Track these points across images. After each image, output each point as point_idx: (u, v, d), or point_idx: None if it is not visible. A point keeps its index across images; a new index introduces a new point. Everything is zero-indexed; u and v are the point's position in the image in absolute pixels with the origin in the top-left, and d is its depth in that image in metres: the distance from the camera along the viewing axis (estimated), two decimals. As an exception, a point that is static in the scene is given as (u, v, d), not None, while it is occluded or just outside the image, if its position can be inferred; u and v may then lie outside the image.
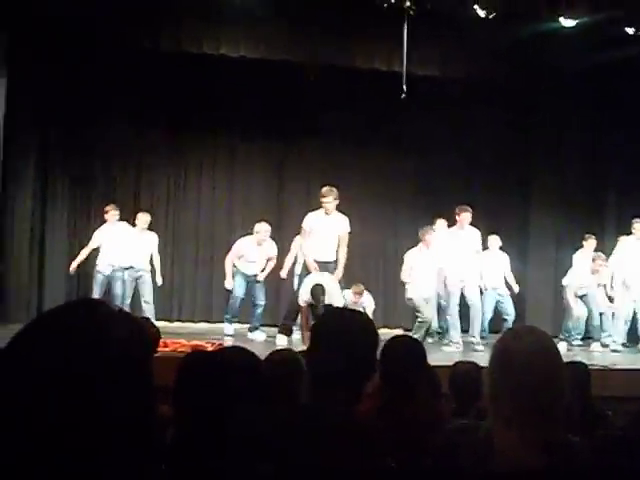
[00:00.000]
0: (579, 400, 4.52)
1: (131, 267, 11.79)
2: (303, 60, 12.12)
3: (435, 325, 11.92)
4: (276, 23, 11.59)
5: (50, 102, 12.44)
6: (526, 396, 2.23)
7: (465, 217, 11.55)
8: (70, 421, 1.25)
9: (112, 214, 11.83)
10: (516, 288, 12.57)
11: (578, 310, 12.03)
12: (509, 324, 11.85)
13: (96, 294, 11.42)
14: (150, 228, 12.09)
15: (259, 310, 11.76)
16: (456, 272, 11.52)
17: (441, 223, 12.27)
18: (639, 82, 12.55)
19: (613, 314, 12.30)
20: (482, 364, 4.24)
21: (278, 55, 12.02)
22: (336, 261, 10.81)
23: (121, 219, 12.00)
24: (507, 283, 12.55)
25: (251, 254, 11.68)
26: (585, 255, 12.23)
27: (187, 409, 2.59)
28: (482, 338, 11.44)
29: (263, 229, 11.70)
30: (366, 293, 12.04)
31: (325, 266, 10.75)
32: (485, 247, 12.37)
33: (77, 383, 1.26)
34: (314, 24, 11.54)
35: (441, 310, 12.17)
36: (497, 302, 12.46)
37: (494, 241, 12.57)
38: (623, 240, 12.45)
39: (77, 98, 12.59)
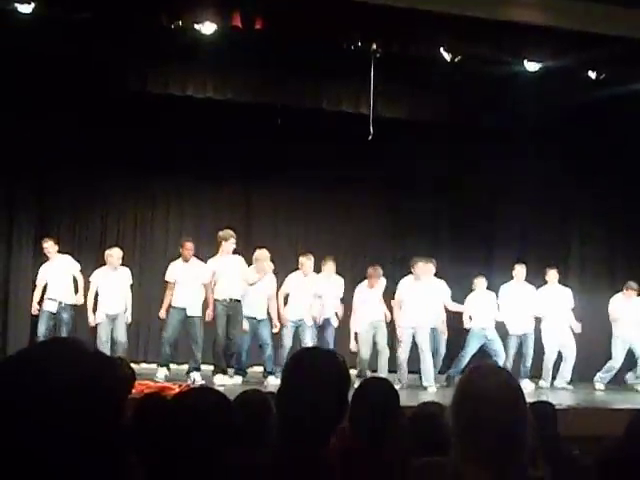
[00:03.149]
0: (545, 439, 4.54)
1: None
2: (270, 102, 12.20)
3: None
4: (243, 65, 11.67)
5: (14, 146, 12.40)
6: (491, 433, 2.25)
7: (420, 269, 11.87)
8: (38, 457, 1.25)
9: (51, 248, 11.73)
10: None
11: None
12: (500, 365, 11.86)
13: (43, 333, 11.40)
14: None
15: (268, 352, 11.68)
16: (409, 318, 11.74)
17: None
18: (604, 126, 12.76)
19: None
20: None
21: (245, 97, 12.11)
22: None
23: (87, 259, 11.94)
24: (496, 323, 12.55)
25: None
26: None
27: (148, 453, 2.57)
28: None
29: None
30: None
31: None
32: (471, 289, 12.52)
33: (47, 422, 1.26)
34: (281, 66, 11.62)
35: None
36: (485, 344, 12.33)
37: (480, 282, 12.56)
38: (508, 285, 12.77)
39: (40, 140, 12.56)
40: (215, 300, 11.54)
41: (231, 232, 11.80)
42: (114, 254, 11.71)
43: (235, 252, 11.85)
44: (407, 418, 4.22)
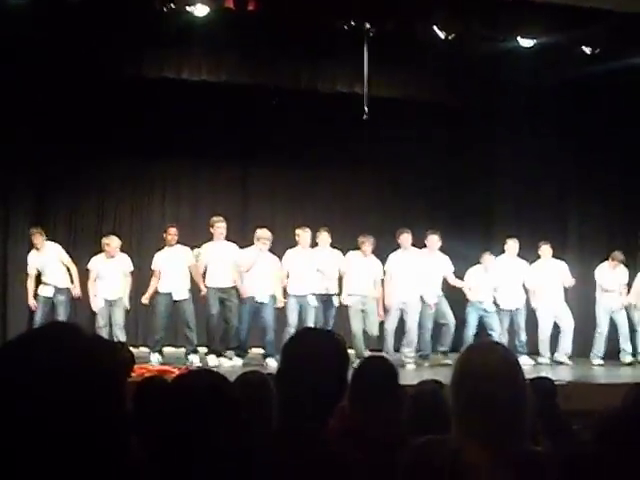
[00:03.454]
0: (545, 414, 4.55)
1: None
2: (264, 83, 12.19)
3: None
4: (237, 47, 11.65)
5: (10, 133, 12.37)
6: (491, 409, 2.27)
7: (404, 239, 11.93)
8: (40, 444, 1.25)
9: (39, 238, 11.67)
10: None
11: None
12: (495, 339, 11.90)
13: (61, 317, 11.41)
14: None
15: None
16: (398, 291, 11.80)
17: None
18: (599, 101, 12.73)
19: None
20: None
21: (240, 79, 12.09)
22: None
23: (83, 246, 11.94)
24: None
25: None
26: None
27: (148, 437, 2.57)
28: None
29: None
30: None
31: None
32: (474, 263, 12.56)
33: (48, 407, 1.26)
34: (275, 47, 11.59)
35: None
36: (481, 317, 12.43)
37: (488, 259, 12.57)
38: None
39: (35, 128, 12.54)
40: (207, 287, 11.56)
41: (218, 217, 11.74)
42: (111, 243, 11.64)
43: (232, 234, 11.82)
44: (408, 396, 4.23)
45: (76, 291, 11.69)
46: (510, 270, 12.59)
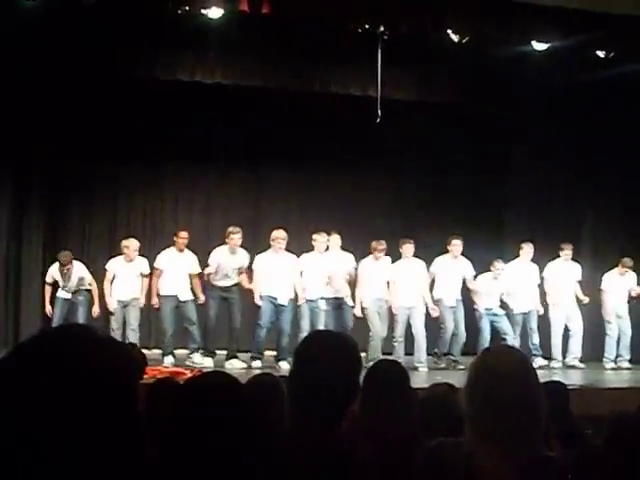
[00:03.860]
0: (558, 418, 4.54)
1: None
2: (278, 86, 12.20)
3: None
4: (251, 50, 11.66)
5: (25, 136, 12.41)
6: (505, 413, 2.26)
7: (406, 249, 12.03)
8: (54, 446, 1.25)
9: None
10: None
11: None
12: (509, 343, 11.90)
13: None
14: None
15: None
16: (402, 299, 11.87)
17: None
18: (612, 104, 12.69)
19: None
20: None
21: (253, 82, 12.10)
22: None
23: (96, 253, 12.01)
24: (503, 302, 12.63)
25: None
26: None
27: (161, 438, 2.57)
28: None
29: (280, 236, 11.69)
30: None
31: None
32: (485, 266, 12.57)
33: (62, 408, 1.26)
34: (289, 50, 11.60)
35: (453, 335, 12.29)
36: (492, 322, 12.41)
37: (498, 267, 12.52)
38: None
39: (51, 132, 12.57)
40: (212, 286, 11.64)
41: (235, 228, 11.73)
42: (130, 245, 11.68)
43: (244, 239, 11.85)
44: (419, 400, 4.22)
45: (95, 309, 11.73)
46: (523, 274, 12.57)
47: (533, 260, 12.74)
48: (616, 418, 3.88)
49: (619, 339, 12.77)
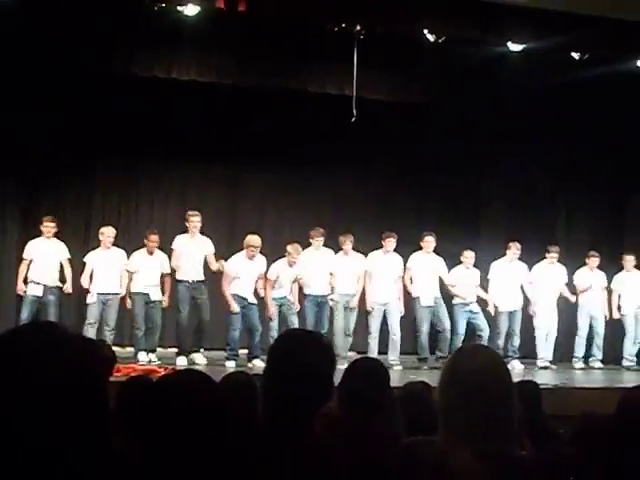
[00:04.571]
0: (530, 418, 4.56)
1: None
2: (254, 84, 12.17)
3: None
4: (227, 47, 11.63)
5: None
6: (478, 412, 2.27)
7: (388, 242, 12.12)
8: (21, 441, 1.24)
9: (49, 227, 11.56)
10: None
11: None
12: (484, 340, 11.94)
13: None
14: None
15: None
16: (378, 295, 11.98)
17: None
18: (587, 105, 12.77)
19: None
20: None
21: (229, 80, 12.07)
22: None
23: (73, 246, 11.96)
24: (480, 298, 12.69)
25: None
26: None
27: (134, 436, 2.56)
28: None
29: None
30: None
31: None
32: (457, 263, 12.62)
33: (28, 404, 1.25)
34: (265, 48, 11.57)
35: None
36: (469, 318, 12.43)
37: (468, 257, 12.62)
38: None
39: (25, 123, 12.48)
40: (178, 281, 11.62)
41: (193, 212, 11.81)
42: (106, 232, 11.64)
43: (221, 237, 11.82)
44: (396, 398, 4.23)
45: (67, 287, 11.60)
46: (509, 273, 12.61)
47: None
48: (583, 417, 3.92)
49: (592, 339, 12.86)
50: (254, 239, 11.61)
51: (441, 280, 12.44)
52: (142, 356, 11.37)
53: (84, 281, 11.51)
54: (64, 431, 1.28)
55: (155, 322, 11.63)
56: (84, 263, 11.64)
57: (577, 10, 10.54)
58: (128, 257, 11.75)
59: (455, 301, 12.46)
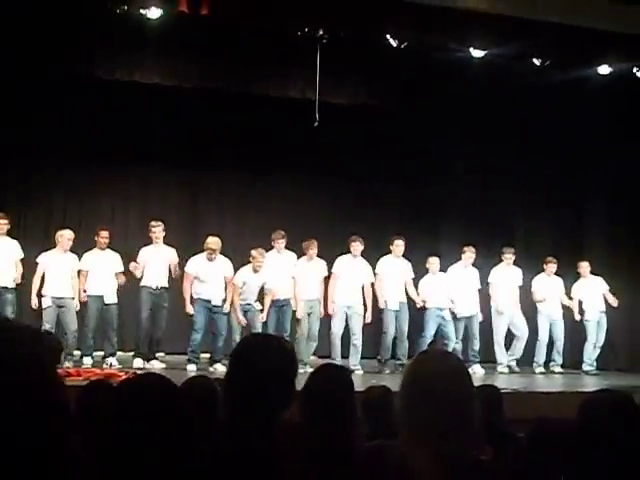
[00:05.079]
0: (490, 421, 4.60)
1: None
2: (216, 88, 12.15)
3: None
4: (190, 51, 11.60)
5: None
6: (438, 414, 2.29)
7: (355, 247, 12.13)
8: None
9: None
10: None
11: None
12: (449, 349, 11.90)
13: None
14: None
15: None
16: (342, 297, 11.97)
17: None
18: (547, 111, 12.87)
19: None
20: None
21: (191, 83, 12.04)
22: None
23: (27, 243, 11.78)
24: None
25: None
26: None
27: (94, 440, 2.55)
28: None
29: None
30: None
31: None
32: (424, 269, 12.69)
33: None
34: (228, 52, 11.55)
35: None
36: (439, 325, 12.43)
37: (433, 263, 12.66)
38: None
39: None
40: (142, 287, 11.57)
41: (156, 222, 11.77)
42: (65, 234, 11.44)
43: (182, 239, 11.77)
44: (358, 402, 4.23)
45: (18, 279, 11.32)
46: (465, 278, 12.68)
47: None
48: (538, 421, 3.96)
49: (552, 344, 12.97)
50: (213, 241, 11.60)
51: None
52: (87, 361, 11.25)
53: (35, 284, 11.32)
54: (16, 424, 1.27)
55: (111, 325, 11.53)
56: (36, 264, 11.42)
57: (537, 17, 10.64)
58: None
59: (429, 305, 12.44)
